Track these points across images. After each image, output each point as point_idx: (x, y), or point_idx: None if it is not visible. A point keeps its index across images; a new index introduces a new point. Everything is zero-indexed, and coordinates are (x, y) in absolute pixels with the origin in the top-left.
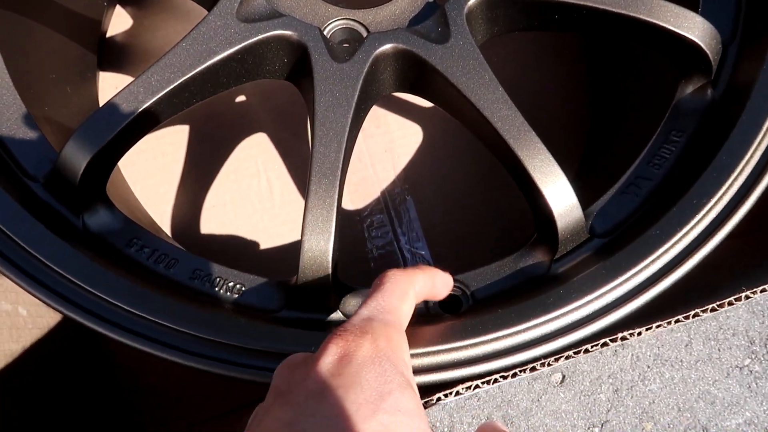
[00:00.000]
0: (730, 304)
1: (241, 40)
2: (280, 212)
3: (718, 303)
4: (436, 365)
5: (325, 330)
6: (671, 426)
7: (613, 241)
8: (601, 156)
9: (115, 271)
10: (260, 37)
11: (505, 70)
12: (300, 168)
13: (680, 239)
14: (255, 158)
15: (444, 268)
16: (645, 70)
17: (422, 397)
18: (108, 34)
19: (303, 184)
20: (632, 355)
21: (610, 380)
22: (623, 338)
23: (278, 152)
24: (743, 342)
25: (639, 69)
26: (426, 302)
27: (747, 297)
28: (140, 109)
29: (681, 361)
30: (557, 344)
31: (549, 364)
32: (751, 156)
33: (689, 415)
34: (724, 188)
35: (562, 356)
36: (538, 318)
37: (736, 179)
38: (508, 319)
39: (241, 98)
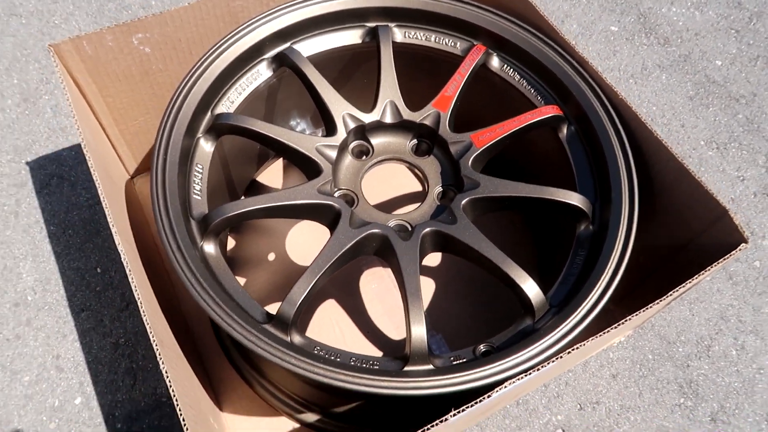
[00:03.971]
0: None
1: (356, 237)
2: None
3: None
4: (481, 376)
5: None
6: None
7: (561, 307)
8: (549, 266)
9: (314, 360)
10: (364, 234)
11: (490, 232)
12: (359, 315)
13: (590, 300)
14: (330, 316)
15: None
16: (560, 224)
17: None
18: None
19: (363, 326)
20: (606, 408)
21: (595, 428)
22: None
23: (343, 309)
24: (675, 387)
25: (557, 223)
26: (474, 350)
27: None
28: (312, 283)
29: (638, 407)
30: (543, 356)
31: (546, 363)
32: (614, 258)
33: None
34: (605, 275)
35: (550, 359)
36: (531, 346)
37: (609, 269)
38: (518, 350)
39: None
